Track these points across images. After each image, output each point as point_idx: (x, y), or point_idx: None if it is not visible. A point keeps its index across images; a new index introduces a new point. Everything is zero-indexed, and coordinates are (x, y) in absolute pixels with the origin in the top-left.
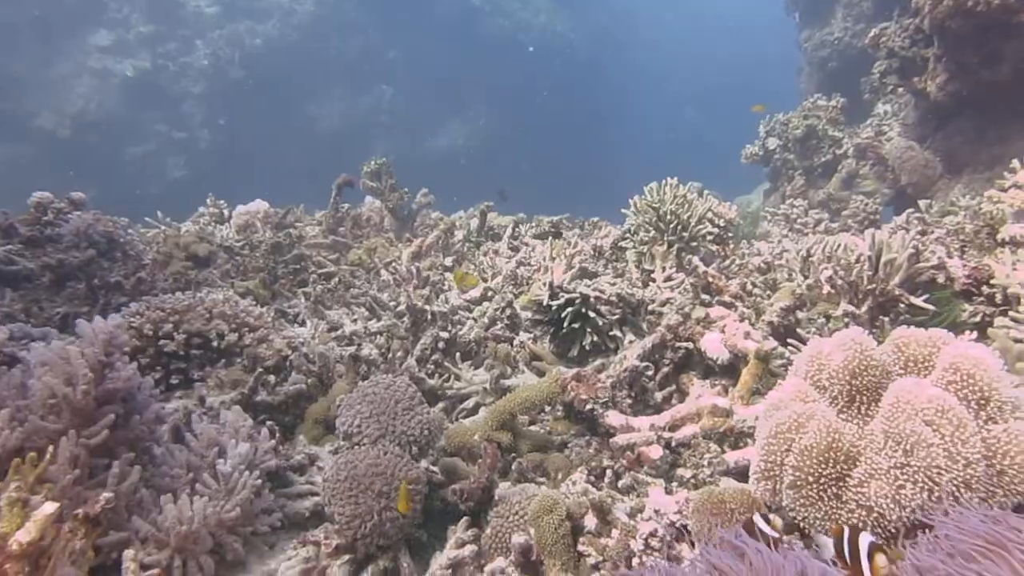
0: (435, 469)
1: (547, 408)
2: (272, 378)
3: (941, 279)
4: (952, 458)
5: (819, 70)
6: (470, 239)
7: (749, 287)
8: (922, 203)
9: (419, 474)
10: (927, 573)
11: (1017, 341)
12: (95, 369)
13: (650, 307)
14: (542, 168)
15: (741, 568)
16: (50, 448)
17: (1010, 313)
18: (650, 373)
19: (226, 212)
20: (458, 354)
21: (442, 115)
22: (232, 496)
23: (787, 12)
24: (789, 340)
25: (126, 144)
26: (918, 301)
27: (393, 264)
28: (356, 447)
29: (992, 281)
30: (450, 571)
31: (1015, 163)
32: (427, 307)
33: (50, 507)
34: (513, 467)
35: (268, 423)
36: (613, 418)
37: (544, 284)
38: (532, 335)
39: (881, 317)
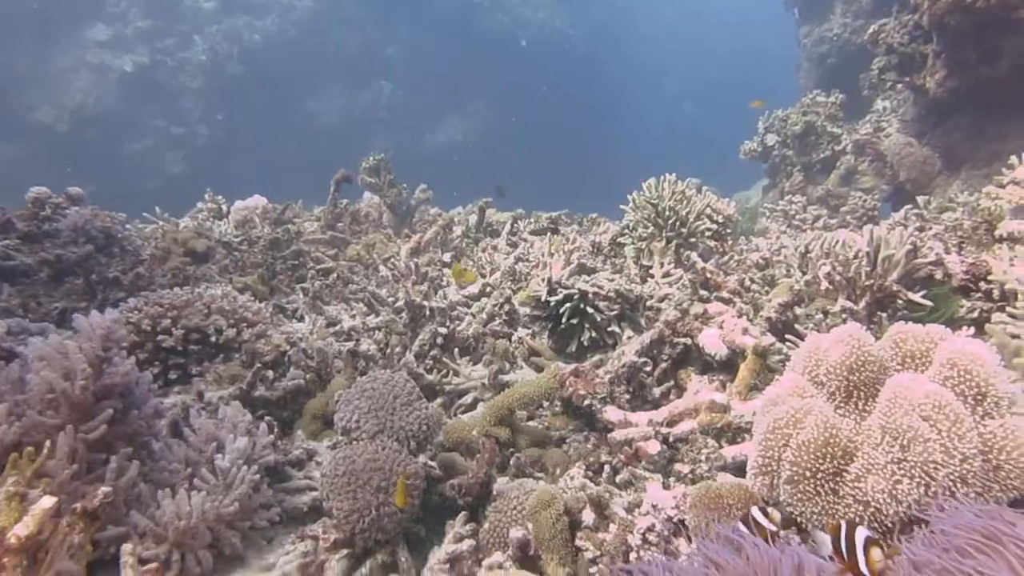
0: (433, 464)
1: (545, 403)
2: (270, 373)
3: (939, 275)
4: (949, 453)
5: (818, 66)
6: (469, 235)
7: (747, 283)
8: (920, 199)
9: (417, 469)
10: (923, 568)
11: (1014, 337)
12: (93, 364)
13: (648, 303)
14: (541, 164)
15: (738, 562)
16: (48, 443)
17: (1007, 309)
18: (648, 369)
19: (224, 208)
20: (456, 350)
21: (441, 111)
22: (230, 491)
23: (786, 8)
24: (787, 336)
25: (124, 139)
26: (916, 297)
27: (391, 260)
28: (354, 442)
29: (990, 277)
30: (448, 565)
31: (1013, 159)
32: (425, 303)
33: (48, 501)
34: (511, 462)
35: (266, 418)
36: (611, 413)
37: (542, 280)
38: (530, 331)
39: (879, 313)
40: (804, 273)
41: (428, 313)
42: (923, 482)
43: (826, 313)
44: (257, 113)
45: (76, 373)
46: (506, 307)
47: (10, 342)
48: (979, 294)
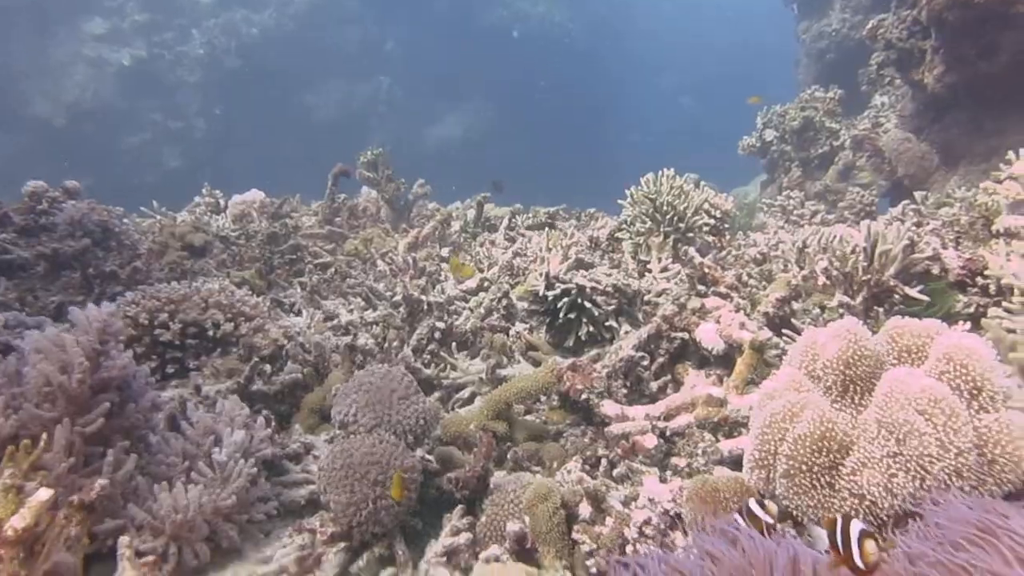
0: (431, 458)
1: (543, 398)
2: (268, 367)
3: (936, 270)
4: (944, 447)
5: (817, 61)
6: (467, 230)
7: (745, 278)
8: (918, 194)
9: (414, 462)
10: (917, 560)
11: (1010, 332)
12: (90, 357)
13: (646, 298)
14: (540, 159)
15: (734, 554)
16: (44, 436)
17: (1003, 304)
18: (646, 363)
19: (222, 202)
20: (454, 344)
21: (440, 106)
22: (228, 484)
23: (785, 3)
24: (784, 331)
25: (121, 133)
26: (913, 292)
27: (389, 254)
28: (351, 436)
29: (986, 272)
30: (445, 558)
31: (1011, 155)
32: (423, 297)
33: (45, 493)
34: (508, 456)
35: (264, 412)
36: (608, 408)
37: (540, 275)
38: (528, 325)
39: (876, 308)
40: (801, 268)
41: (426, 307)
42: (918, 476)
43: (823, 308)
44: (255, 107)
45: (73, 366)
46: (504, 302)
47: (7, 335)
48: (976, 289)
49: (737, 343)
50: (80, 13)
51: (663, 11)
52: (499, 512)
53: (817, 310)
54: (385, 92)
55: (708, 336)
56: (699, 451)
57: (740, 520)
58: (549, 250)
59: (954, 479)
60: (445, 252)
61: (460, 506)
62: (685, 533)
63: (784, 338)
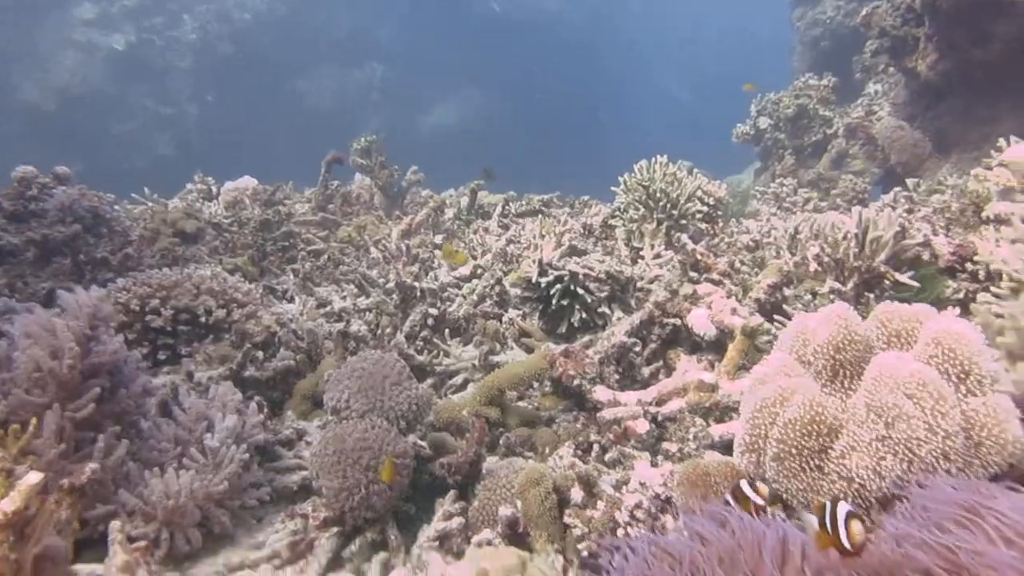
0: (423, 443)
1: (535, 384)
2: (260, 354)
3: (926, 256)
4: (932, 430)
5: (811, 49)
6: (460, 217)
7: (737, 264)
8: (910, 182)
9: (406, 448)
10: (903, 540)
11: (998, 316)
12: (80, 342)
13: (639, 284)
14: (533, 146)
15: (723, 536)
16: (34, 421)
17: (992, 289)
18: (638, 349)
19: (214, 188)
20: (447, 331)
21: (433, 93)
22: (220, 470)
23: None
24: (775, 316)
25: (112, 119)
26: (903, 278)
27: (382, 241)
28: (344, 422)
29: (976, 258)
30: (437, 543)
31: (1001, 142)
32: (416, 284)
33: (35, 477)
34: (501, 441)
35: (256, 398)
36: (600, 393)
37: (534, 261)
38: (521, 312)
39: (866, 293)
40: (793, 254)
41: (419, 294)
42: (906, 458)
43: (814, 294)
44: (247, 93)
45: (63, 351)
46: (497, 288)
47: None
48: (965, 275)
49: (729, 329)
50: None
51: None
52: (491, 497)
53: (808, 296)
54: (379, 79)
55: (700, 322)
56: (690, 436)
57: (731, 501)
58: (542, 237)
59: (941, 462)
60: (439, 239)
61: (453, 491)
62: (676, 516)
63: (775, 324)
